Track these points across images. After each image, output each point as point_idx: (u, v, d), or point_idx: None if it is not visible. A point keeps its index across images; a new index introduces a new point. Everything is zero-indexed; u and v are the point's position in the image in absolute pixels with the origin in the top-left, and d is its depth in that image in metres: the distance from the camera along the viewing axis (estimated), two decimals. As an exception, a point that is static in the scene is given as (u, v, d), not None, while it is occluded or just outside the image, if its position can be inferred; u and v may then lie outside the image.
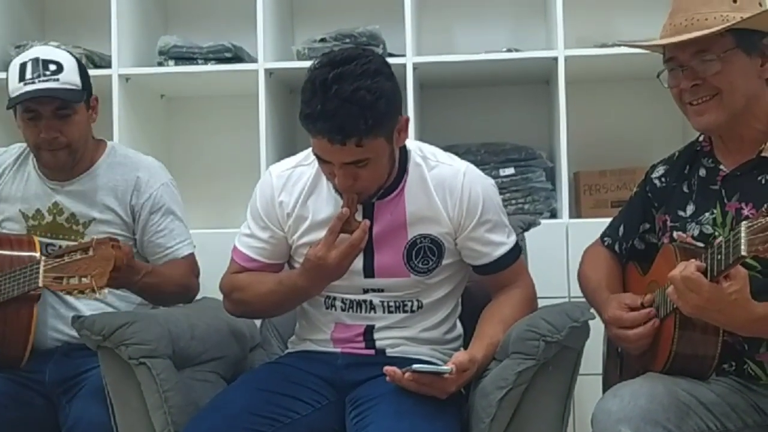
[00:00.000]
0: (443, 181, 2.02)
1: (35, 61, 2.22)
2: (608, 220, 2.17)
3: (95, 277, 1.85)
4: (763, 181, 1.79)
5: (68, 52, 2.35)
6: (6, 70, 2.31)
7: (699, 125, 1.83)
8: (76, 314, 2.05)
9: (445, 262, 2.04)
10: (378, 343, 2.07)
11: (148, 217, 2.33)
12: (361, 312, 2.06)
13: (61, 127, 2.23)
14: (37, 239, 2.25)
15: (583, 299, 2.05)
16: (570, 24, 2.88)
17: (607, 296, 1.94)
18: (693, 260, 1.60)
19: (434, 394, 1.86)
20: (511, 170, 2.91)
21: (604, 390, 2.10)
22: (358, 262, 1.97)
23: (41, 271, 1.96)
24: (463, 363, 1.87)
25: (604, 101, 3.19)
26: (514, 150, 2.99)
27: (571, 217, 2.87)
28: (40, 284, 1.96)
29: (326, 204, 2.02)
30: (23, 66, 2.22)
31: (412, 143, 2.07)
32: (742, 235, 1.46)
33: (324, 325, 2.09)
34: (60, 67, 2.22)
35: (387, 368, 1.85)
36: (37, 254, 2.20)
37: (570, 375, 1.95)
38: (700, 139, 1.95)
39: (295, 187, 2.06)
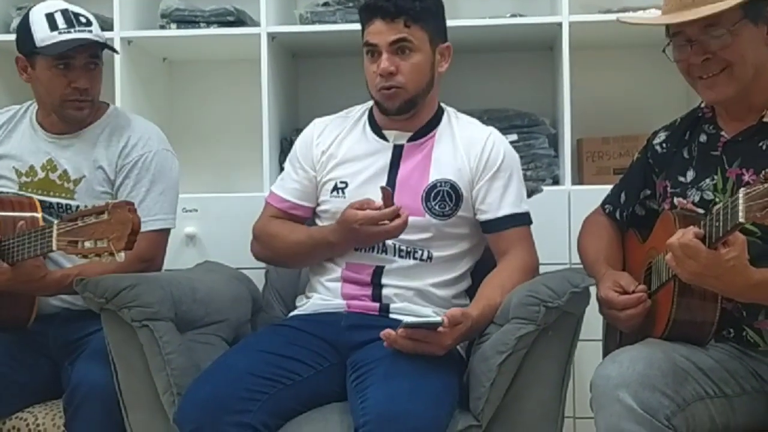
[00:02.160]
0: (470, 136, 2.18)
1: (65, 12, 2.24)
2: (611, 187, 2.17)
3: (113, 240, 1.84)
4: (764, 147, 1.78)
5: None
6: (7, 32, 2.29)
7: (710, 98, 1.83)
8: (80, 277, 2.05)
9: (460, 213, 2.12)
10: (384, 291, 2.09)
11: (123, 181, 2.29)
12: (372, 252, 2.12)
13: (91, 79, 2.26)
14: (36, 200, 2.24)
15: (584, 265, 2.06)
16: (575, -11, 2.86)
17: (603, 272, 1.94)
18: (691, 227, 1.60)
19: (431, 350, 1.88)
20: (514, 137, 2.90)
21: (604, 356, 2.12)
22: (379, 197, 2.06)
23: (54, 234, 1.93)
24: (455, 316, 1.89)
25: (607, 68, 3.17)
26: (517, 116, 2.97)
27: (573, 183, 2.87)
28: (54, 248, 1.94)
29: (358, 143, 2.21)
30: (51, 16, 2.22)
31: (447, 106, 2.26)
32: (740, 201, 1.46)
33: (336, 263, 2.15)
34: (89, 21, 2.27)
35: (383, 332, 1.87)
36: (39, 215, 2.19)
37: (570, 340, 1.97)
38: (702, 105, 1.94)
39: (333, 131, 2.24)
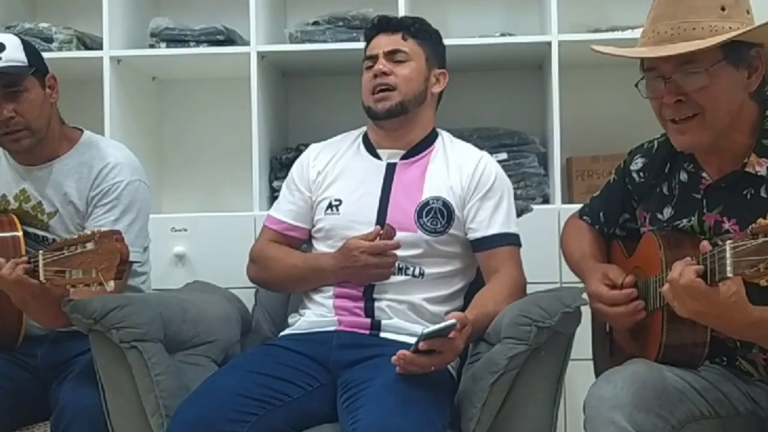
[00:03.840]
0: (463, 158, 2.24)
1: None
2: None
3: (102, 271, 1.82)
4: (748, 196, 1.71)
5: (16, 35, 2.29)
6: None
7: (680, 145, 1.74)
8: (68, 298, 2.03)
9: (452, 231, 2.15)
10: (377, 304, 2.10)
11: (92, 210, 2.22)
12: None
13: (15, 106, 2.15)
14: (16, 218, 2.21)
15: (576, 285, 2.05)
16: (564, 9, 2.87)
17: (592, 264, 1.92)
18: (692, 265, 1.52)
19: (444, 360, 1.87)
20: (503, 155, 2.90)
21: (596, 374, 2.12)
22: (372, 215, 2.16)
23: (41, 265, 1.91)
24: (462, 318, 1.88)
25: (597, 87, 3.18)
26: (506, 135, 2.98)
27: (563, 202, 2.87)
28: (42, 279, 1.91)
29: (352, 162, 2.26)
30: None
31: (441, 130, 2.33)
32: (728, 255, 1.41)
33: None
34: (1, 47, 2.14)
35: (395, 358, 1.83)
36: (19, 233, 2.17)
37: (562, 360, 1.96)
38: None
39: (328, 153, 2.31)
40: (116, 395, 2.00)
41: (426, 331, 1.81)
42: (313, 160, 2.30)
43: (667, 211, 1.85)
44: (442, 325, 1.82)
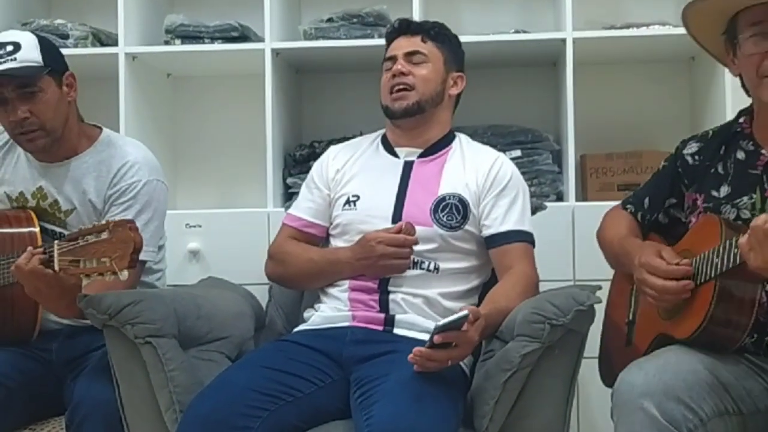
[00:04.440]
0: (479, 157, 2.27)
1: None
2: (614, 203, 2.16)
3: (115, 259, 1.83)
4: None
5: (33, 33, 2.26)
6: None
7: None
8: (83, 294, 2.04)
9: (467, 227, 2.17)
10: (392, 297, 2.11)
11: (109, 208, 2.22)
12: None
13: (30, 107, 2.15)
14: (33, 214, 2.23)
15: (589, 283, 2.05)
16: (578, 6, 2.87)
17: (641, 242, 1.91)
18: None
19: (460, 353, 1.86)
20: (517, 152, 2.90)
21: (601, 368, 2.11)
22: (388, 209, 2.19)
23: (56, 255, 1.91)
24: (474, 310, 1.88)
25: (611, 84, 3.17)
26: (520, 132, 2.97)
27: (577, 200, 2.86)
28: (56, 268, 1.92)
29: (371, 160, 2.30)
30: None
31: (459, 133, 2.36)
32: None
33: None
34: (17, 47, 2.13)
35: (411, 356, 1.82)
36: (36, 229, 2.19)
37: (575, 358, 1.96)
38: (741, 120, 1.90)
39: (347, 153, 2.35)
40: (131, 390, 2.01)
41: (439, 323, 1.81)
42: (332, 159, 2.34)
43: (724, 189, 1.85)
44: (455, 316, 1.82)
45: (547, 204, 2.53)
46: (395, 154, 2.29)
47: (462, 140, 2.32)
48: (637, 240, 1.95)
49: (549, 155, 2.95)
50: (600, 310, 1.93)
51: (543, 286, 2.16)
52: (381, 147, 2.33)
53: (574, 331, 1.91)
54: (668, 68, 3.14)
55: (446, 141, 2.30)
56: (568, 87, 2.83)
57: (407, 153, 2.28)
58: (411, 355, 1.82)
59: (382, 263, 2.11)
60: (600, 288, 1.97)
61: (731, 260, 1.64)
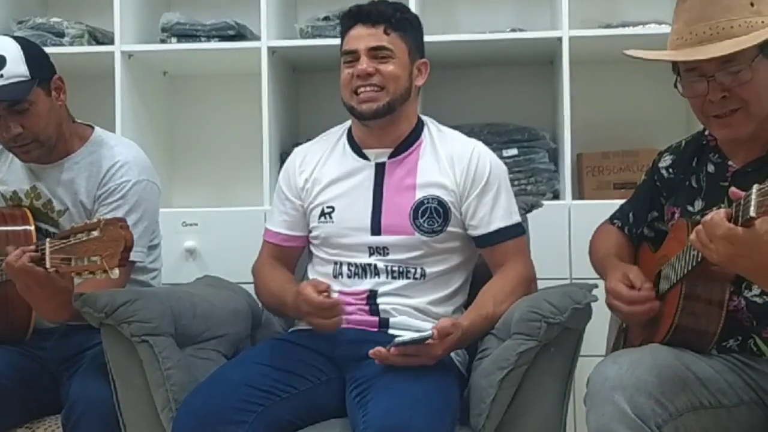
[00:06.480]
0: (454, 151, 2.15)
1: None
2: (611, 202, 2.18)
3: (106, 258, 1.83)
4: None
5: (12, 37, 2.22)
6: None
7: (725, 137, 1.81)
8: (79, 292, 2.04)
9: (449, 228, 2.11)
10: (382, 307, 2.09)
11: (99, 208, 2.21)
12: (366, 277, 2.11)
13: (22, 121, 2.13)
14: (29, 212, 2.23)
15: (586, 281, 2.05)
16: (574, 4, 2.87)
17: (615, 263, 1.94)
18: (721, 208, 1.55)
19: (422, 362, 1.88)
20: (514, 151, 2.90)
21: (607, 352, 2.12)
22: (366, 220, 2.10)
23: (48, 253, 1.91)
24: (445, 327, 1.89)
25: (608, 83, 3.18)
26: (517, 131, 2.98)
27: (573, 198, 2.87)
28: (48, 266, 1.91)
29: (339, 165, 2.18)
30: None
31: (427, 118, 2.23)
32: (753, 198, 1.45)
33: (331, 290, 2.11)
34: (2, 61, 2.09)
35: (372, 351, 1.86)
36: (31, 227, 2.19)
37: (571, 356, 1.96)
38: (706, 132, 1.92)
39: (314, 156, 2.23)
40: (127, 389, 2.01)
41: (399, 340, 1.85)
42: (298, 166, 2.23)
43: (698, 204, 1.88)
44: (417, 336, 1.86)
45: (544, 202, 2.52)
46: (364, 156, 2.17)
47: (431, 129, 2.19)
48: (614, 260, 1.97)
49: (545, 154, 2.95)
50: (596, 308, 1.93)
51: (539, 284, 2.15)
52: (348, 148, 2.20)
53: (570, 329, 1.91)
54: (664, 67, 3.12)
55: (415, 134, 2.17)
56: (564, 85, 2.83)
57: (377, 155, 2.15)
58: (372, 350, 1.87)
59: (309, 320, 2.02)
60: (596, 286, 1.97)
61: (692, 260, 1.68)
